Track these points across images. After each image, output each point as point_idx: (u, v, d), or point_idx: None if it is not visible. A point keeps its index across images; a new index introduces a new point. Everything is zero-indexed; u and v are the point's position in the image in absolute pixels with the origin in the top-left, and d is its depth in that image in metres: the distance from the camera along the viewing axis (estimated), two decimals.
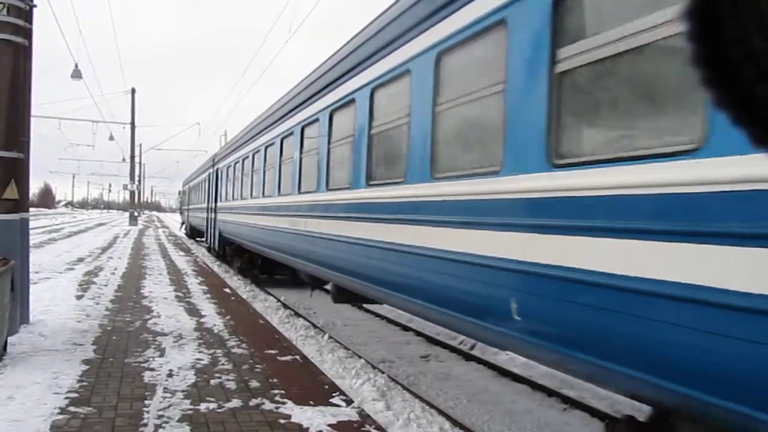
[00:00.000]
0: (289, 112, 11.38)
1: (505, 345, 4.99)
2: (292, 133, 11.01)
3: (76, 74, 33.36)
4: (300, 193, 9.90)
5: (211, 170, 26.15)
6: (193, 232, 38.50)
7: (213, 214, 23.66)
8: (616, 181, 3.36)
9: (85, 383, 6.18)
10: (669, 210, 3.06)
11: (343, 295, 8.62)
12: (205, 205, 27.65)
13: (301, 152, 10.21)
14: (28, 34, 8.21)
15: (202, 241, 32.83)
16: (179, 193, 63.45)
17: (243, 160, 17.06)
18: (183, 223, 48.23)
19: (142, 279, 15.54)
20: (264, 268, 16.76)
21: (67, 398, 5.67)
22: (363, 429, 5.28)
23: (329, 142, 8.66)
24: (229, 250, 20.81)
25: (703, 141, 2.88)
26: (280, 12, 25.16)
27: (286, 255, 11.10)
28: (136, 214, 54.82)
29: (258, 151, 14.54)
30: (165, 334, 8.71)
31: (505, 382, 8.36)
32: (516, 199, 4.28)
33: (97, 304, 11.15)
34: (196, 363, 7.16)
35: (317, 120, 9.27)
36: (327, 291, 13.73)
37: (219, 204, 22.06)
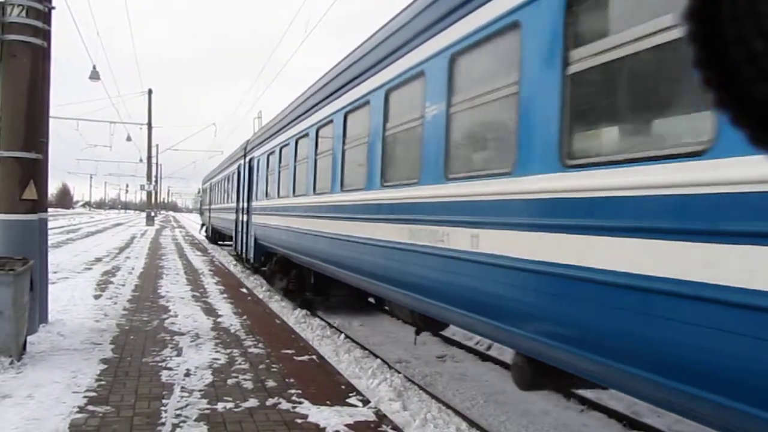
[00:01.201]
0: (408, 42, 6.68)
1: None
2: (422, 73, 6.27)
3: (94, 75, 33.68)
4: (448, 180, 5.58)
5: (241, 161, 21.09)
6: (216, 236, 33.63)
7: (244, 216, 18.77)
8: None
9: (103, 382, 6.22)
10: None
11: (546, 378, 4.98)
12: (232, 205, 22.69)
13: (449, 105, 5.67)
14: (46, 36, 8.27)
15: (227, 246, 29.66)
16: (198, 192, 55.38)
17: (296, 142, 12.06)
18: (203, 225, 43.25)
19: (159, 279, 15.64)
20: (317, 287, 12.31)
21: (85, 397, 5.71)
22: (380, 429, 5.27)
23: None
24: (272, 265, 15.44)
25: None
26: (296, 12, 25.24)
27: (380, 283, 7.25)
28: (152, 214, 55.22)
29: (327, 122, 9.76)
30: (182, 334, 8.75)
31: None
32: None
33: (115, 303, 11.23)
34: (213, 362, 7.19)
35: (495, 34, 4.99)
36: (442, 337, 10.67)
37: (254, 203, 17.27)
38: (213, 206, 34.04)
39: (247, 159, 19.41)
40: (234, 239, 22.16)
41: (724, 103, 0.65)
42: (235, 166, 23.04)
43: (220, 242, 33.17)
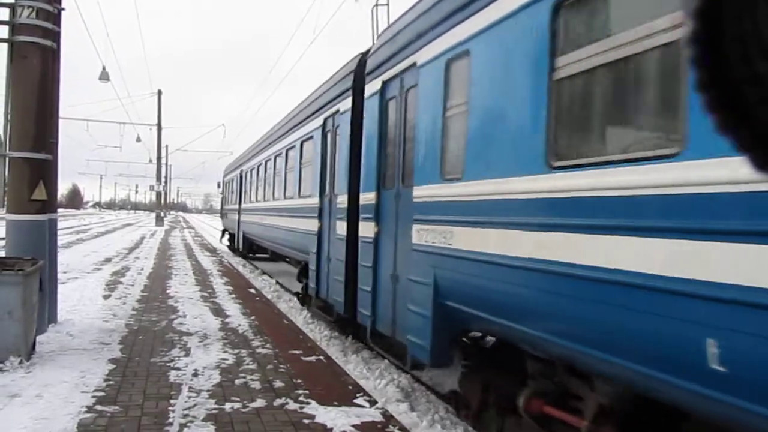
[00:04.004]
0: None
1: None
2: None
3: (104, 76, 33.82)
4: None
5: (338, 106, 9.72)
6: (250, 249, 23.08)
7: (363, 224, 8.18)
8: None
9: (111, 382, 6.24)
10: None
11: None
12: (302, 203, 12.09)
13: None
14: (56, 37, 8.31)
15: (261, 259, 22.40)
16: (219, 186, 37.64)
17: None
18: (224, 232, 31.80)
19: (168, 279, 15.69)
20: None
21: (94, 397, 5.73)
22: (387, 430, 5.26)
23: None
24: (594, 415, 4.00)
25: None
26: (304, 16, 25.29)
27: None
28: (162, 215, 55.43)
29: None
30: (190, 334, 8.77)
31: None
32: None
33: (124, 303, 11.27)
34: (221, 363, 7.20)
35: None
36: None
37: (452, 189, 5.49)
38: (246, 205, 22.38)
39: (372, 90, 8.08)
40: (315, 274, 10.72)
41: (727, 125, 0.64)
42: (310, 126, 11.76)
43: (253, 254, 23.33)
